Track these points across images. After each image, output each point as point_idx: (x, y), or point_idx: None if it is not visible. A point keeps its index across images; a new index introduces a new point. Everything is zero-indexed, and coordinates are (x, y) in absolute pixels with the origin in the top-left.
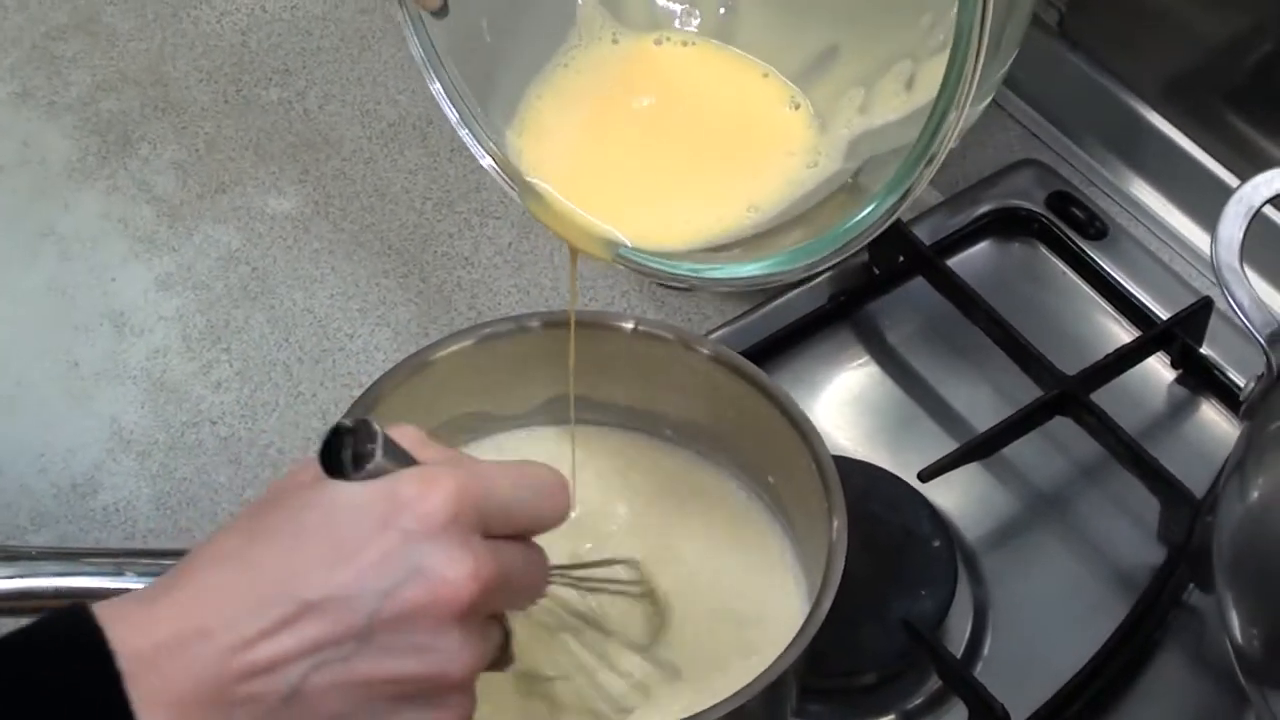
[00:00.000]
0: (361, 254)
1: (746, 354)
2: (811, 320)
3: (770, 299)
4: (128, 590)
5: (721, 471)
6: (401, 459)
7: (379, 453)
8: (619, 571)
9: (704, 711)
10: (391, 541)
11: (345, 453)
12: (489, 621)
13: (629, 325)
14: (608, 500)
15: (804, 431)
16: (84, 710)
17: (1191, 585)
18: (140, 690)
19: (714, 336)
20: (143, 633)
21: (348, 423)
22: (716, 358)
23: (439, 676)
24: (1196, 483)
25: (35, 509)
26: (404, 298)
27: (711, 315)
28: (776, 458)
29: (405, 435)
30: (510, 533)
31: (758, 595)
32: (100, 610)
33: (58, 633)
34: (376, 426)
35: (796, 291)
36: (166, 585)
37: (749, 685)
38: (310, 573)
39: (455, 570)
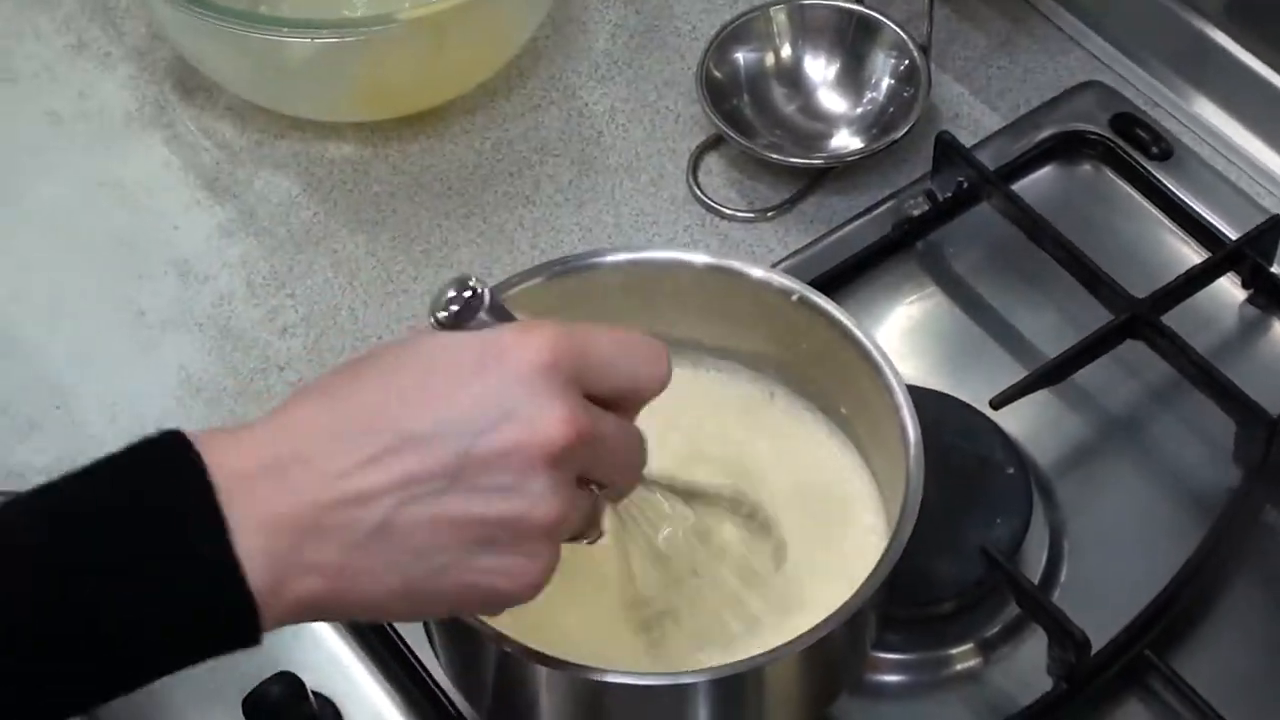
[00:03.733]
0: (422, 196)
1: (811, 286)
2: (876, 250)
3: (834, 230)
4: None
5: (795, 404)
6: (506, 318)
7: (484, 310)
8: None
9: (787, 643)
10: (488, 383)
11: (452, 304)
12: (579, 483)
13: (700, 260)
14: (679, 438)
15: (876, 362)
16: (179, 526)
17: (1269, 505)
18: (235, 509)
19: (778, 269)
20: (241, 456)
21: (457, 284)
22: (787, 291)
23: (523, 519)
24: (1272, 402)
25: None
26: (466, 238)
27: (775, 248)
28: (850, 389)
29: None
30: (607, 392)
31: (835, 527)
32: (198, 435)
33: (153, 454)
34: (485, 287)
35: (860, 222)
36: (267, 417)
37: (830, 617)
38: (407, 408)
39: (547, 415)
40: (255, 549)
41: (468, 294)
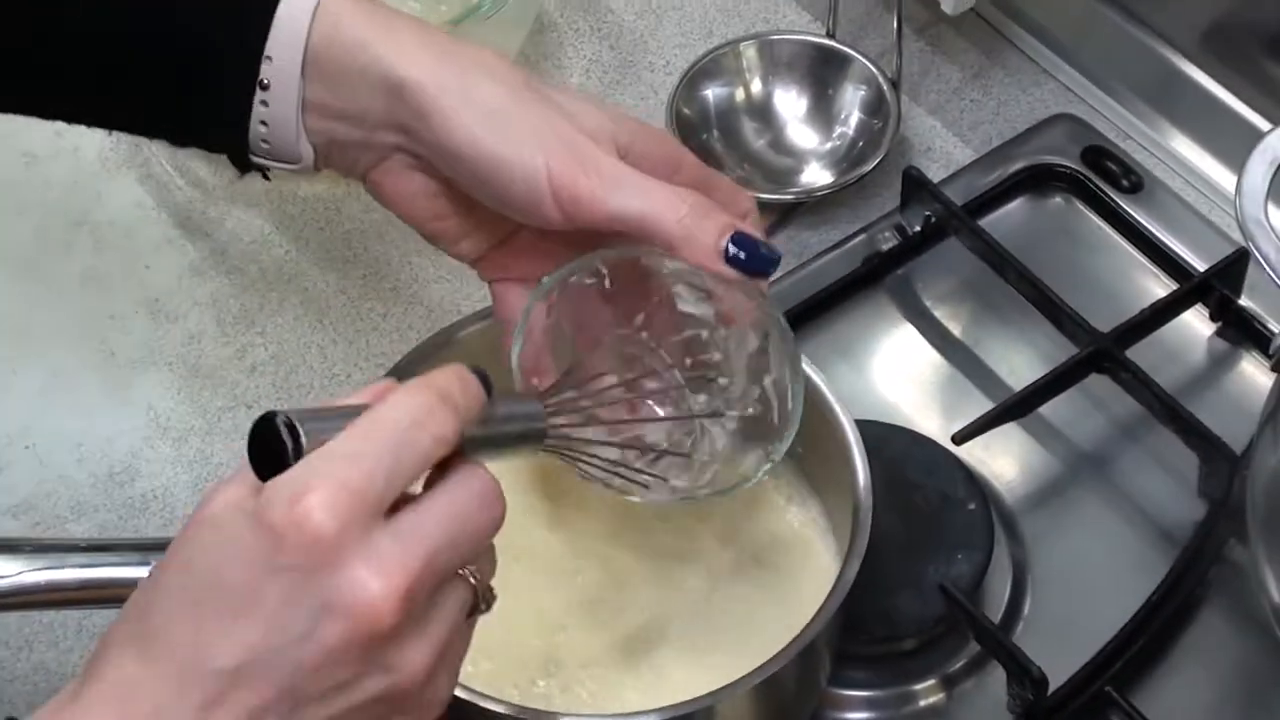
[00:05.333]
0: (393, 233)
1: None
2: (845, 284)
3: (804, 265)
4: None
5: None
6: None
7: (305, 446)
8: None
9: (736, 680)
10: (286, 583)
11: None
12: (438, 595)
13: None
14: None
15: (827, 400)
16: None
17: (1233, 540)
18: None
19: None
20: None
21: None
22: None
23: (392, 692)
24: (1237, 437)
25: (74, 498)
26: (436, 275)
27: None
28: (803, 427)
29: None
30: (404, 487)
31: (790, 565)
32: None
33: None
34: (289, 418)
35: (830, 256)
36: (80, 686)
37: (779, 654)
38: (215, 641)
39: (364, 591)
40: None
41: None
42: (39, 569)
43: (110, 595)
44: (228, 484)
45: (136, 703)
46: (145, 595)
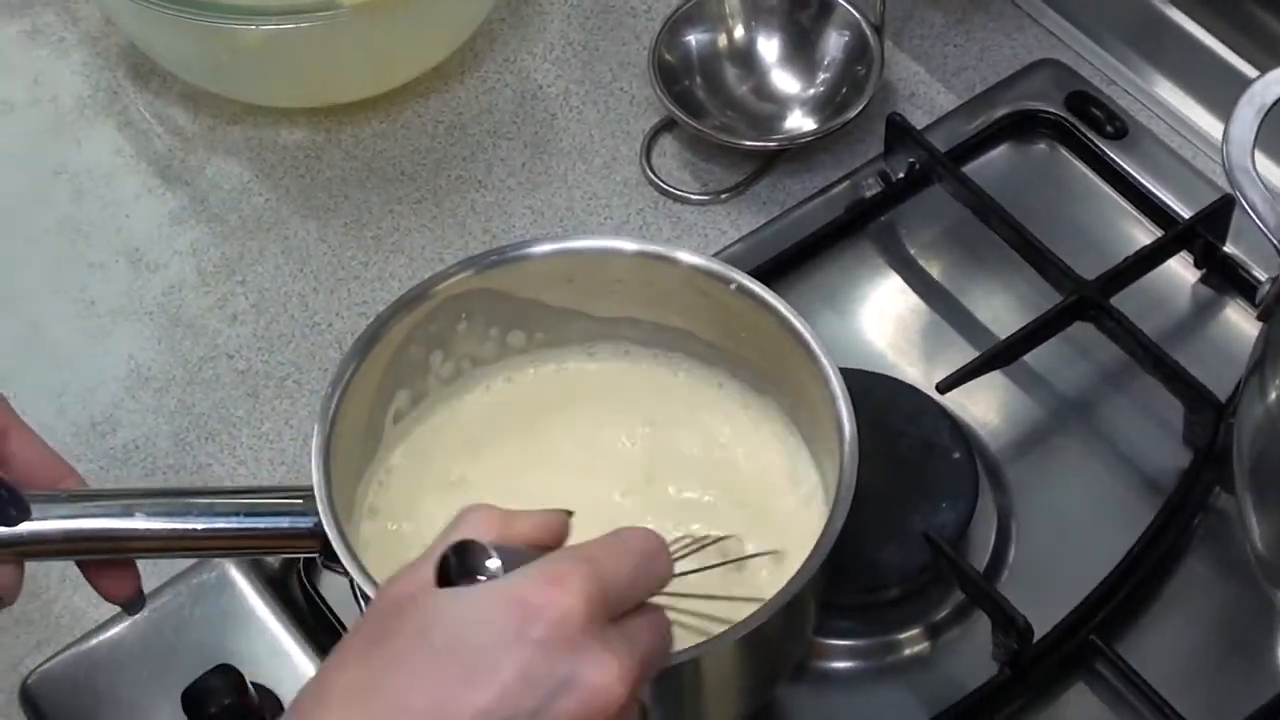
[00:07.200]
0: (374, 181)
1: (764, 268)
2: (829, 232)
3: (786, 212)
4: (137, 529)
5: (736, 392)
6: (521, 559)
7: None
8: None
9: (722, 633)
10: (530, 655)
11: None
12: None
13: (633, 248)
14: (625, 428)
15: (813, 350)
16: None
17: (1218, 489)
18: None
19: (730, 252)
20: None
21: (464, 551)
22: (724, 278)
23: None
24: (1222, 384)
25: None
26: (418, 224)
27: (728, 230)
28: (790, 377)
29: (488, 520)
30: (631, 607)
31: (779, 515)
32: None
33: None
34: (494, 553)
35: (814, 203)
36: None
37: (764, 607)
38: (450, 699)
39: (604, 676)
40: None
41: (489, 566)
42: None
43: (93, 547)
44: (413, 570)
45: None
46: (365, 653)
